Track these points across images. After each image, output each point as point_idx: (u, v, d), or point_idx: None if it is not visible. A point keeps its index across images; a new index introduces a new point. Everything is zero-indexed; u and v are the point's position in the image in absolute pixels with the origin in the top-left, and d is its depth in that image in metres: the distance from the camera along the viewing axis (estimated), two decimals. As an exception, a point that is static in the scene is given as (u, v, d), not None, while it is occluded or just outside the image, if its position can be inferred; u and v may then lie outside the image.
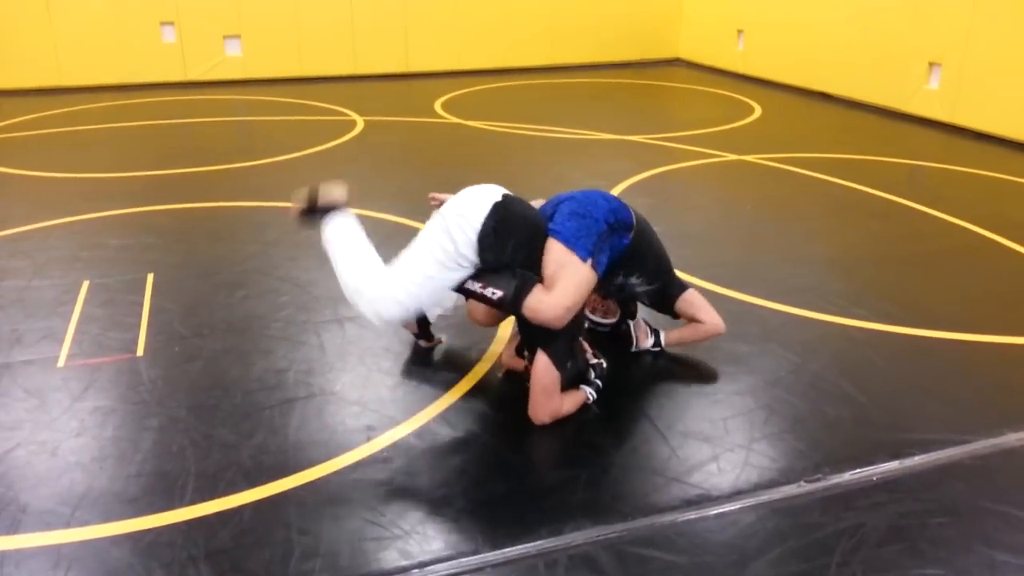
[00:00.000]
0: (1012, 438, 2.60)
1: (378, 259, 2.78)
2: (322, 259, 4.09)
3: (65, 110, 7.88)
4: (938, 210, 4.90)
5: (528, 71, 10.28)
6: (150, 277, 3.83)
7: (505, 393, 2.86)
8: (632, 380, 2.98)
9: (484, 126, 7.21)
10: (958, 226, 4.66)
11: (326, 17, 9.46)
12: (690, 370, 3.07)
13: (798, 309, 3.53)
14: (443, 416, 2.71)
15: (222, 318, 3.44)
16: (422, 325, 3.16)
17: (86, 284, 3.76)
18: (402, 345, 3.21)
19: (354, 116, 7.57)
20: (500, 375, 2.99)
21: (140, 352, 3.14)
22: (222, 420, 2.68)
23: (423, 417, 2.71)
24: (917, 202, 5.07)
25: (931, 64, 7.30)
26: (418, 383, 2.93)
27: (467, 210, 2.63)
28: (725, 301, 3.59)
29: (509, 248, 2.57)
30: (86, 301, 3.59)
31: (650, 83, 9.65)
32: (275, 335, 3.28)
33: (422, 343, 3.19)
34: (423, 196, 5.14)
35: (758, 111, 7.92)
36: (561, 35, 10.45)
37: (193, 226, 4.63)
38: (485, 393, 2.86)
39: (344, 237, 2.85)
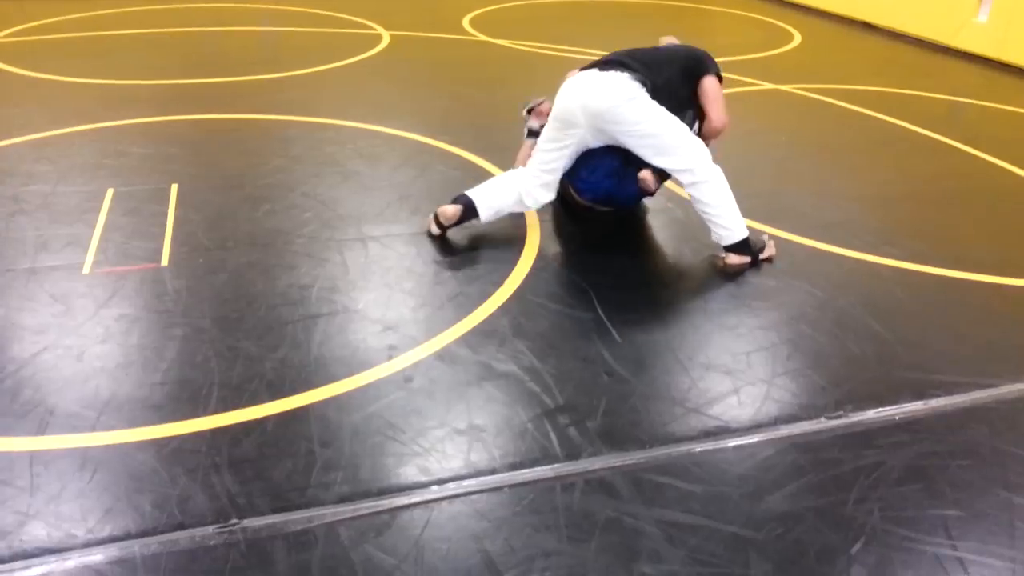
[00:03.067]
0: (1039, 384, 2.58)
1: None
2: (346, 176, 4.07)
3: (89, 14, 7.75)
4: (978, 149, 4.76)
5: (560, -11, 9.96)
6: (174, 187, 3.82)
7: (526, 318, 2.85)
8: (655, 310, 2.95)
9: (512, 45, 7.03)
10: (997, 166, 4.52)
11: (354, -75, 9.16)
12: (714, 303, 3.04)
13: (827, 245, 3.47)
14: (464, 339, 2.71)
15: (246, 231, 3.43)
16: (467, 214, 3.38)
17: (110, 192, 3.76)
18: (424, 266, 3.19)
19: (380, 30, 7.40)
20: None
21: (165, 262, 3.15)
22: (246, 333, 2.70)
23: (445, 339, 2.71)
24: (957, 140, 4.92)
25: (982, -5, 6.99)
26: (440, 304, 2.92)
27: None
28: (753, 235, 3.53)
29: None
30: (110, 209, 3.59)
31: (686, 5, 9.33)
32: (299, 251, 3.27)
33: (439, 230, 3.41)
34: (446, 115, 5.10)
35: (797, 39, 7.66)
36: (596, -48, 10.08)
37: (217, 138, 4.59)
38: (506, 318, 2.85)
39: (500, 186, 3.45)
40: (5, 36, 6.81)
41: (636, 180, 3.33)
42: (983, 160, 4.61)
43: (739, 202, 3.27)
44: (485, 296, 2.98)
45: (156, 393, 2.39)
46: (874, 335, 2.81)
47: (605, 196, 3.57)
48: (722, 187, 3.24)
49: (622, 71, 3.23)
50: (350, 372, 2.51)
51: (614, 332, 2.78)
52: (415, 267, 3.18)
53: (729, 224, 3.23)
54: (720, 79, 3.41)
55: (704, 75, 3.35)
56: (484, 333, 2.76)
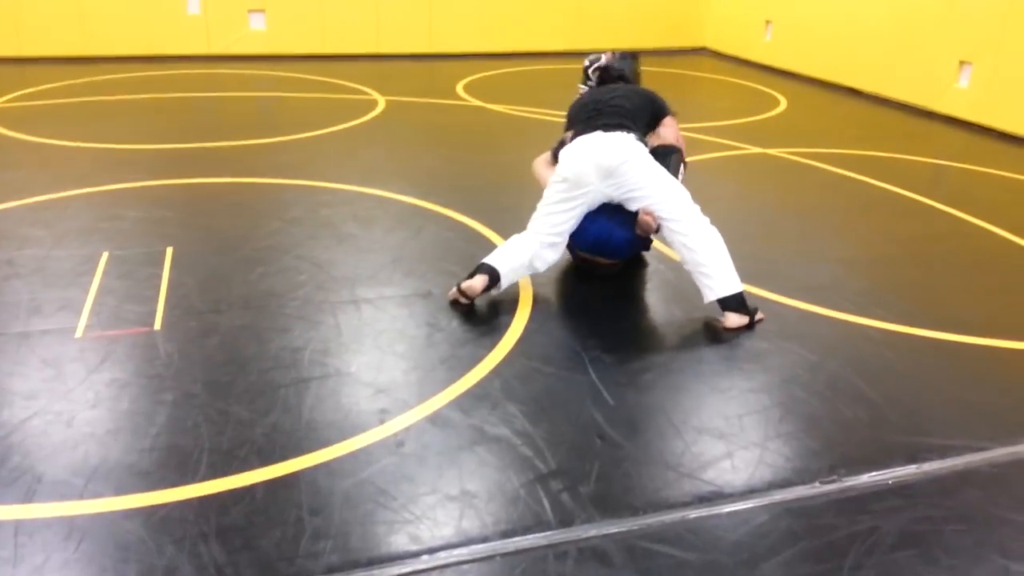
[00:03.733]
0: (1031, 447, 2.57)
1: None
2: (341, 239, 4.11)
3: (89, 79, 7.90)
4: (963, 211, 4.84)
5: (552, 55, 10.21)
6: (169, 251, 3.84)
7: (519, 381, 2.85)
8: (648, 373, 2.96)
9: (505, 110, 7.17)
10: (982, 228, 4.59)
11: (351, -6, 9.44)
12: (707, 365, 3.04)
13: (817, 307, 3.49)
14: (457, 402, 2.71)
15: (239, 294, 3.44)
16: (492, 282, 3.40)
17: (105, 255, 3.78)
18: (417, 328, 3.20)
19: (376, 96, 7.55)
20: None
21: (157, 326, 3.15)
22: (237, 397, 2.69)
23: (437, 402, 2.70)
24: (941, 202, 5.00)
25: (962, 63, 7.19)
26: (432, 367, 2.92)
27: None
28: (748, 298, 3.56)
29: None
30: (105, 273, 3.61)
31: (675, 72, 9.56)
32: (292, 314, 3.28)
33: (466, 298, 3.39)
34: (439, 178, 5.17)
35: (783, 104, 7.84)
36: (587, 20, 10.37)
37: (213, 201, 4.64)
38: (499, 380, 2.85)
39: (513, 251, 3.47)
40: (5, 101, 6.93)
41: (622, 226, 3.45)
42: (967, 222, 4.69)
43: (728, 265, 3.31)
44: (478, 359, 2.99)
45: (145, 460, 2.37)
46: (865, 398, 2.82)
47: (595, 242, 3.60)
48: (717, 240, 3.30)
49: (627, 132, 3.41)
50: (341, 437, 2.50)
51: (607, 395, 2.78)
52: (407, 329, 3.19)
53: (722, 275, 3.25)
54: (673, 115, 3.80)
55: (665, 116, 3.74)
56: (476, 396, 2.75)
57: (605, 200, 3.45)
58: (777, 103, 7.86)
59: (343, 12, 9.46)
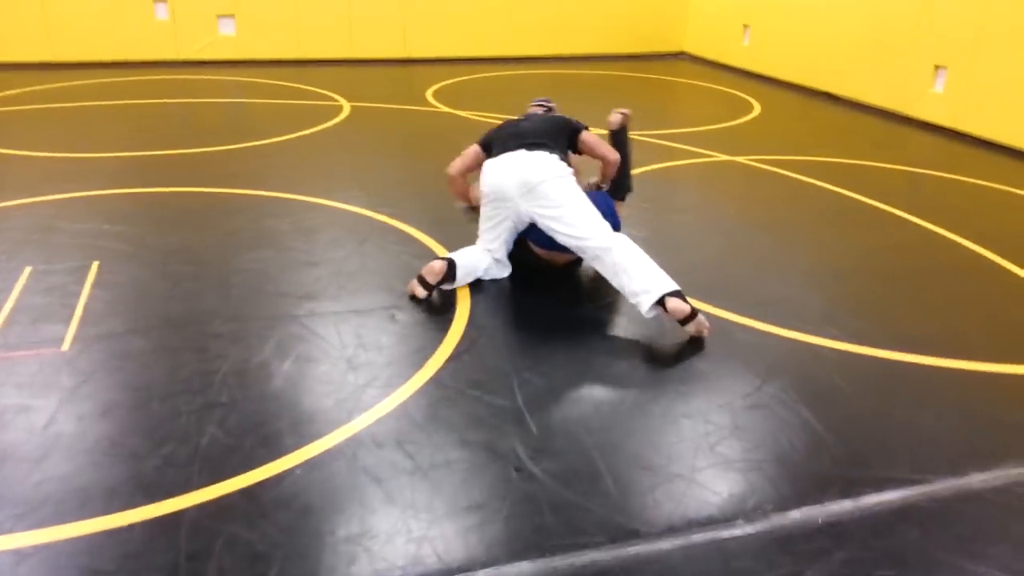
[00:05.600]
0: (976, 479, 2.42)
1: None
2: (279, 251, 3.95)
3: (54, 86, 7.75)
4: (932, 222, 4.69)
5: (530, 60, 10.08)
6: (95, 265, 3.68)
7: (440, 407, 2.69)
8: (577, 398, 2.80)
9: (474, 116, 7.02)
10: (951, 240, 4.44)
11: (323, -1, 9.29)
12: (641, 388, 2.88)
13: (767, 325, 3.34)
14: (370, 431, 2.55)
15: (161, 312, 3.29)
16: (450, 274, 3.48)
17: (27, 270, 3.62)
18: (342, 348, 3.04)
19: (342, 101, 7.39)
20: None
21: (66, 347, 2.99)
22: (134, 427, 2.53)
23: (349, 431, 2.55)
24: (911, 213, 4.85)
25: (937, 67, 7.05)
26: (352, 392, 2.77)
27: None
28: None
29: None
30: (24, 289, 3.45)
31: (652, 77, 9.42)
32: (211, 333, 3.12)
33: (425, 291, 3.44)
34: (393, 187, 5.01)
35: (757, 109, 7.69)
36: (566, 24, 10.23)
37: (155, 212, 4.48)
38: (419, 406, 2.69)
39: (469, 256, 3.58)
40: (-40, 108, 6.76)
41: None
42: (937, 234, 4.54)
43: (678, 276, 3.17)
44: (402, 381, 2.83)
45: (24, 497, 2.21)
46: (805, 425, 2.66)
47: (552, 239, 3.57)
48: (633, 248, 3.28)
49: (550, 152, 3.50)
50: (235, 471, 2.33)
51: (530, 421, 2.63)
52: (332, 350, 3.04)
53: (652, 281, 3.16)
54: (586, 128, 3.82)
55: (580, 131, 3.76)
56: (391, 425, 2.59)
57: (527, 218, 3.50)
58: (751, 108, 7.72)
59: (316, 16, 9.31)
